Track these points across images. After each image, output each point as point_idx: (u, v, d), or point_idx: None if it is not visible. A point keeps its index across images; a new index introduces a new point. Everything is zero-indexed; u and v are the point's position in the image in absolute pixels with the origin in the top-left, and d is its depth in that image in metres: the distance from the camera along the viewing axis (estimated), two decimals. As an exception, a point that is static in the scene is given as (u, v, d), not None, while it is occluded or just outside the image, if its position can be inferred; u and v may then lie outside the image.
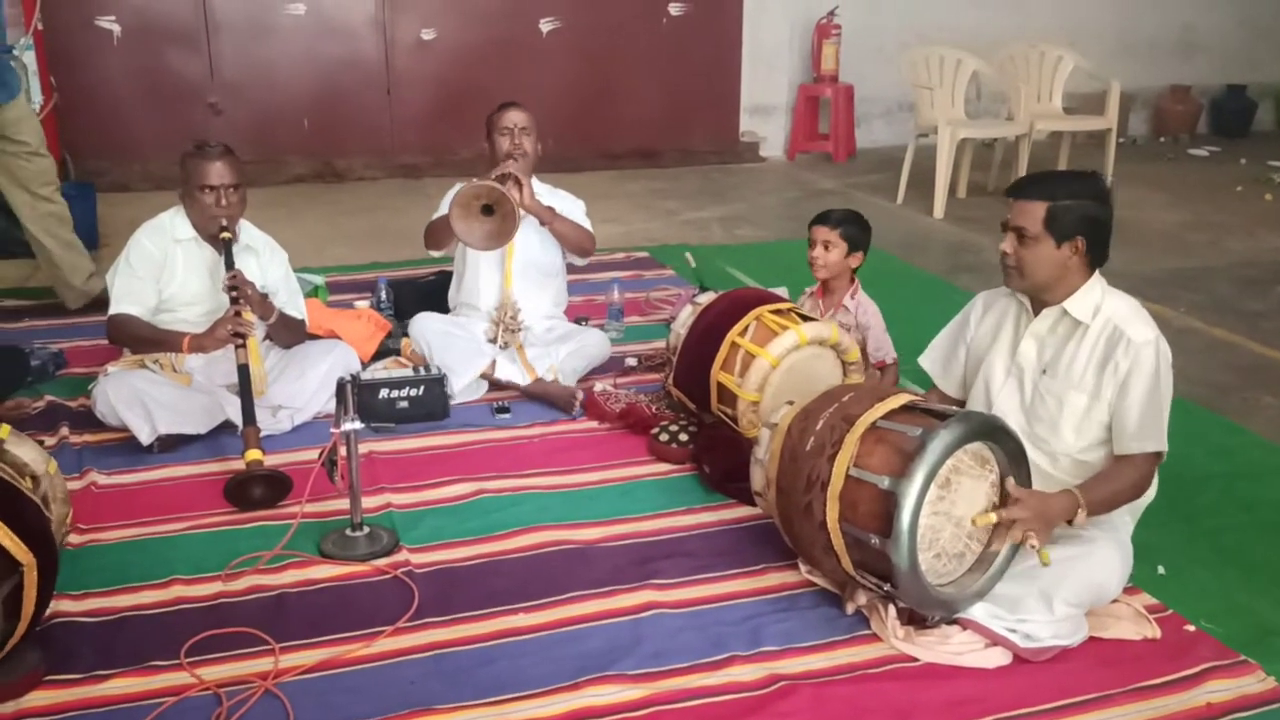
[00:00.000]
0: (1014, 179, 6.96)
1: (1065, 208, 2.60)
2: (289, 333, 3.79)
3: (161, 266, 3.64)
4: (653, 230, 6.49)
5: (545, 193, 4.18)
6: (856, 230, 3.67)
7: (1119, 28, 9.38)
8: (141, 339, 3.61)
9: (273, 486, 3.14)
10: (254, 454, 3.16)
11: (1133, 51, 9.37)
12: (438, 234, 4.14)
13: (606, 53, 8.11)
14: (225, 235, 3.61)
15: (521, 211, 3.85)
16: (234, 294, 3.50)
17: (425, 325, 3.99)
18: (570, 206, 4.22)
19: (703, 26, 8.33)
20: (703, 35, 8.34)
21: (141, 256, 3.62)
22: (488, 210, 3.42)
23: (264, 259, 3.77)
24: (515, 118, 4.06)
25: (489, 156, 4.09)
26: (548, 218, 4.01)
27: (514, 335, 4.00)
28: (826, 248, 3.65)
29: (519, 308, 4.05)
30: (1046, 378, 2.71)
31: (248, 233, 3.77)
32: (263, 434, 3.55)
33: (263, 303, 3.64)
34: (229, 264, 3.57)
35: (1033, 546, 2.45)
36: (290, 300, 3.82)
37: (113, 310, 3.61)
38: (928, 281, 5.27)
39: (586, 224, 4.23)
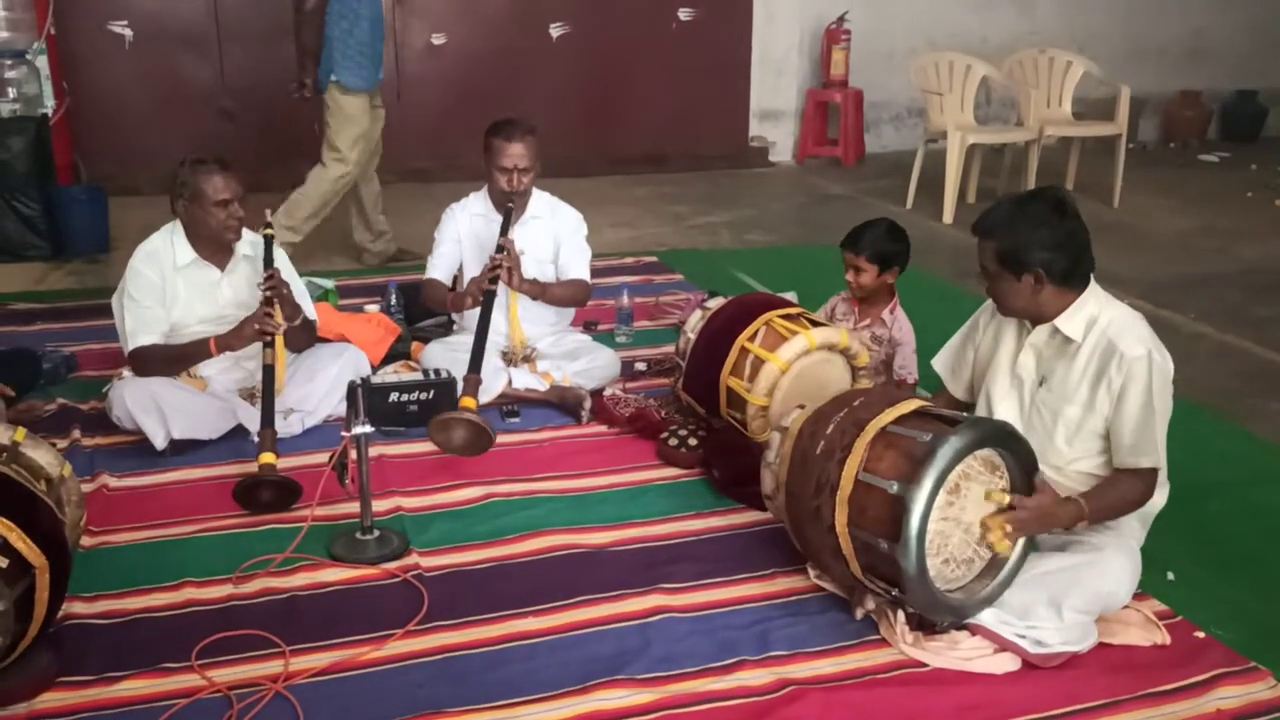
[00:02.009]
0: (1023, 184, 7.02)
1: (1015, 245, 2.58)
2: (304, 335, 3.79)
3: (164, 291, 3.58)
4: (662, 235, 6.50)
5: (546, 211, 4.12)
6: (887, 247, 3.62)
7: (1129, 33, 9.37)
8: (169, 360, 3.56)
9: (281, 492, 3.15)
10: (267, 457, 3.17)
11: (1143, 57, 9.36)
12: (433, 301, 4.12)
13: (616, 57, 8.12)
14: (269, 232, 3.66)
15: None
16: (270, 293, 3.50)
17: (437, 356, 3.95)
18: (571, 227, 4.14)
19: (712, 31, 8.34)
20: (712, 40, 8.35)
21: (142, 286, 3.56)
22: (466, 420, 3.45)
23: (261, 264, 3.72)
24: (515, 155, 3.88)
25: (486, 174, 4.02)
26: (538, 293, 3.95)
27: (527, 361, 4.01)
28: (857, 272, 3.63)
29: (529, 345, 4.06)
30: (1043, 390, 2.71)
31: (246, 239, 3.72)
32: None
33: (293, 304, 3.64)
34: (269, 261, 3.59)
35: (989, 543, 2.45)
36: (299, 302, 3.83)
37: (132, 346, 3.55)
38: (936, 286, 5.26)
39: (584, 249, 4.15)
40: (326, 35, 5.24)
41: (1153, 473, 2.63)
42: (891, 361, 3.68)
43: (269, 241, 3.66)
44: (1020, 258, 2.58)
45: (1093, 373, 2.62)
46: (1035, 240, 2.57)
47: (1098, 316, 2.63)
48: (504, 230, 3.89)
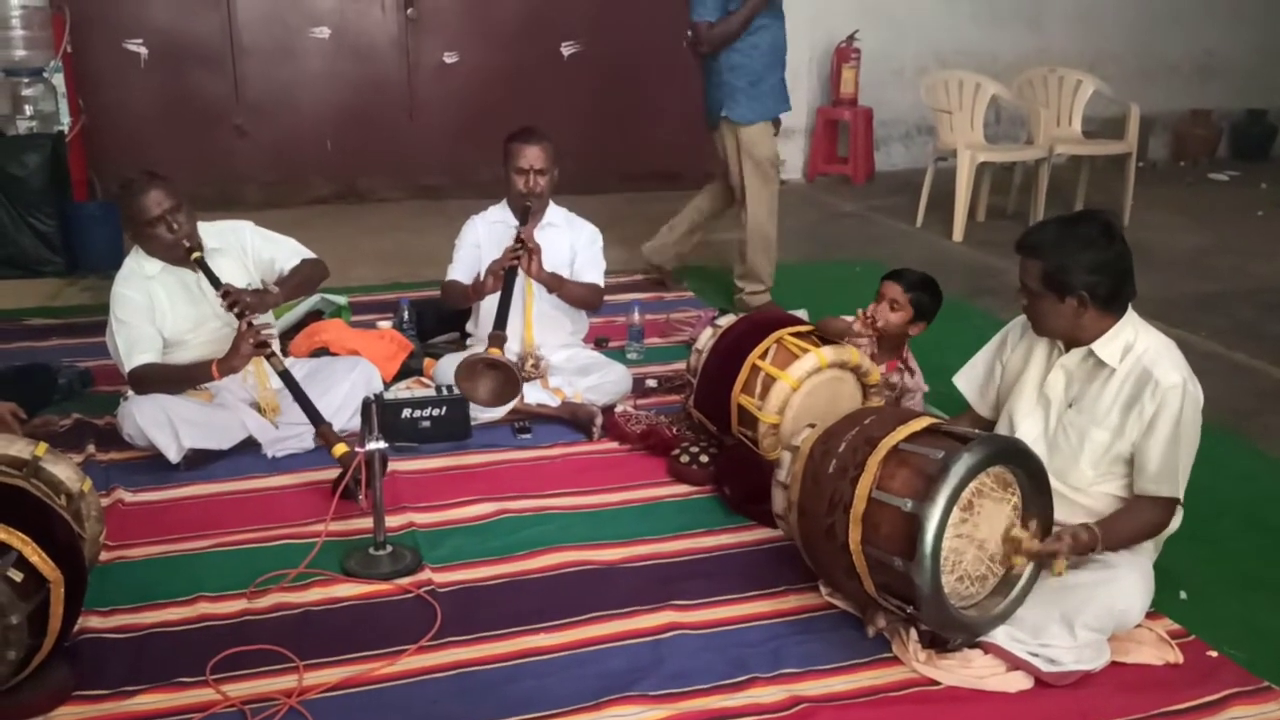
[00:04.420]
0: (1033, 203, 7.02)
1: (1061, 267, 2.58)
2: (306, 284, 3.82)
3: (150, 309, 3.56)
4: (673, 252, 6.50)
5: (563, 221, 4.19)
6: (928, 299, 3.60)
7: (1139, 52, 9.38)
8: (170, 380, 3.56)
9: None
10: (341, 448, 3.18)
11: (1152, 75, 9.37)
12: (453, 298, 4.15)
13: (627, 75, 8.15)
14: (196, 256, 3.52)
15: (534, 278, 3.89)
16: (236, 310, 3.47)
17: (452, 369, 3.99)
18: (587, 237, 4.20)
19: (723, 50, 8.35)
20: (723, 58, 8.36)
21: (128, 308, 3.55)
22: (492, 364, 3.46)
23: (235, 249, 3.71)
24: (531, 157, 3.98)
25: (504, 181, 4.09)
26: (555, 285, 3.98)
27: (537, 371, 4.02)
28: (893, 307, 3.58)
29: (540, 354, 4.08)
30: (1072, 411, 2.71)
31: (206, 236, 3.63)
32: (285, 453, 3.62)
33: (264, 299, 3.62)
34: (215, 283, 3.51)
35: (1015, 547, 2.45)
36: (282, 255, 3.79)
37: (129, 367, 3.53)
38: (947, 305, 5.24)
39: (600, 259, 4.20)
40: (715, 67, 5.06)
41: (1172, 502, 2.62)
42: (898, 404, 3.66)
43: (203, 265, 3.53)
44: (1066, 279, 2.58)
45: (1125, 398, 2.62)
46: (1082, 262, 2.57)
47: (1134, 343, 2.63)
48: (522, 222, 3.96)
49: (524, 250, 3.82)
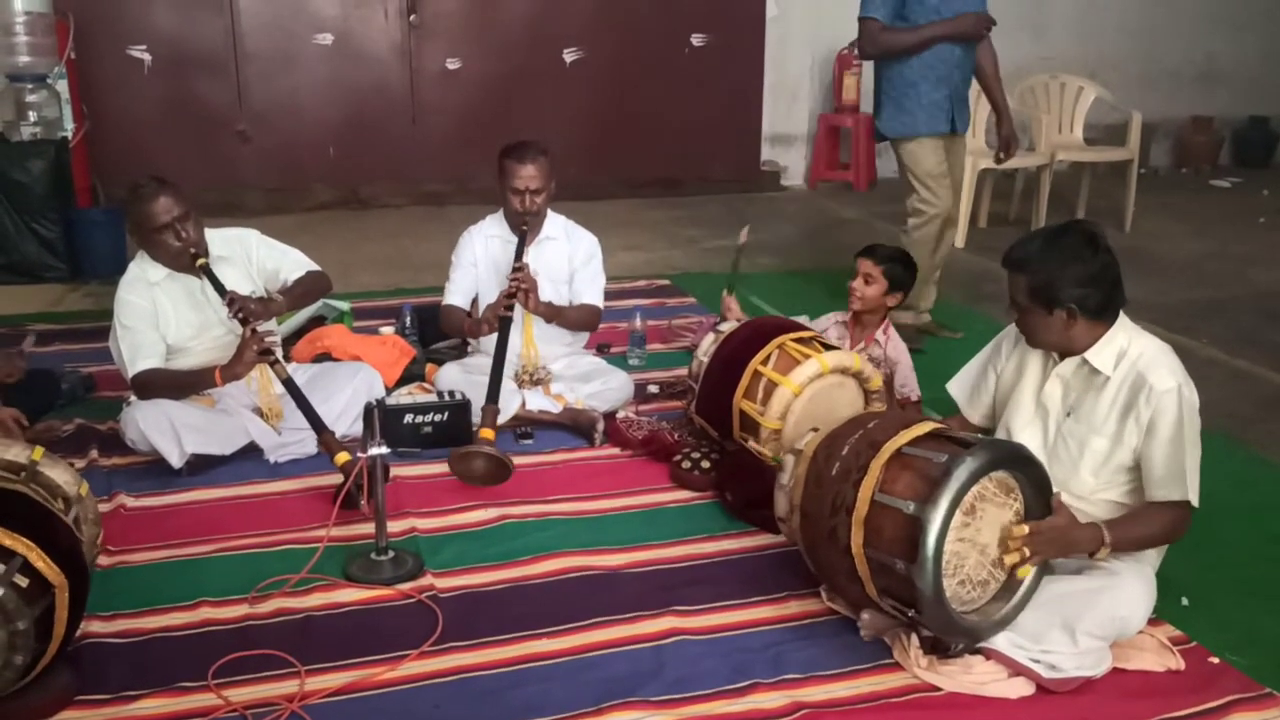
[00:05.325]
0: (1035, 209, 7.03)
1: (1049, 281, 2.57)
2: (310, 294, 3.83)
3: (154, 315, 3.56)
4: (674, 258, 6.53)
5: (561, 233, 4.16)
6: (900, 270, 3.78)
7: (1140, 59, 9.39)
8: (173, 386, 3.56)
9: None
10: (343, 456, 3.19)
11: (1154, 82, 9.39)
12: (451, 327, 4.16)
13: (629, 82, 8.18)
14: (202, 262, 3.50)
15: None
16: (241, 317, 3.46)
17: (453, 378, 3.98)
18: (585, 251, 4.17)
19: (724, 57, 8.39)
20: (724, 65, 8.40)
21: (132, 313, 3.54)
22: (484, 454, 3.49)
23: (241, 257, 3.71)
24: (526, 177, 3.90)
25: (500, 196, 4.05)
26: (553, 315, 3.98)
27: (539, 384, 4.03)
28: (867, 281, 3.75)
29: (541, 366, 4.08)
30: (1070, 420, 2.71)
31: (212, 244, 3.61)
32: (287, 458, 3.62)
33: (269, 306, 3.62)
34: (220, 290, 3.50)
35: (1013, 563, 2.45)
36: (287, 265, 3.79)
37: (133, 372, 3.52)
38: (949, 310, 5.27)
39: (598, 276, 4.18)
40: (875, 71, 4.94)
41: (1184, 505, 2.60)
42: (891, 382, 3.70)
43: (209, 273, 3.52)
44: (1053, 293, 2.57)
45: (1121, 405, 2.62)
46: (1069, 276, 2.56)
47: (1127, 349, 2.63)
48: (519, 254, 3.93)
49: (520, 290, 3.79)
